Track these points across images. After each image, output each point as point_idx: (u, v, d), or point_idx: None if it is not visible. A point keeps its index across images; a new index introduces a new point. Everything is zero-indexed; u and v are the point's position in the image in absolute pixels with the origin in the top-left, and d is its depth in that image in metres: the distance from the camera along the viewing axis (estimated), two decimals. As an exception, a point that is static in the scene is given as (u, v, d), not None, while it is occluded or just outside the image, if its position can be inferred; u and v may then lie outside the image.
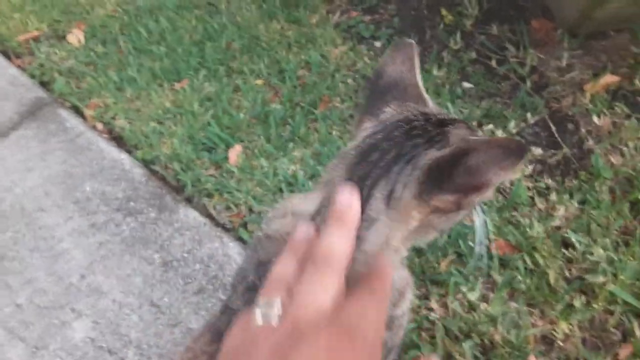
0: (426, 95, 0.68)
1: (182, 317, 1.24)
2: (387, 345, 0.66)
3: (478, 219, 0.72)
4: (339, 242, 0.49)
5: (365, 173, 0.59)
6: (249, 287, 0.63)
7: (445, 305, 1.14)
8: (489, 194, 0.69)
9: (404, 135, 0.59)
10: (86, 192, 1.53)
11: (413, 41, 0.70)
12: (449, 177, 0.54)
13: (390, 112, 0.64)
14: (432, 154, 0.56)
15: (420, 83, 0.68)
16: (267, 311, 0.44)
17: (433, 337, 1.10)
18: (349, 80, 1.68)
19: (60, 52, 1.98)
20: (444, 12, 1.80)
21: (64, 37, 2.05)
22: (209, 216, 1.44)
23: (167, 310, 1.26)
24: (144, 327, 1.24)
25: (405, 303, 0.67)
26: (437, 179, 0.55)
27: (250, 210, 1.41)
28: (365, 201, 0.57)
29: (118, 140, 1.70)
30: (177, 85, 1.77)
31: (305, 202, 0.66)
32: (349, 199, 0.53)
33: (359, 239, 0.57)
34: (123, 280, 1.33)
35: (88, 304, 1.30)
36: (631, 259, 1.12)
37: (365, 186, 0.58)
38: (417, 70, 0.69)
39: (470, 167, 0.53)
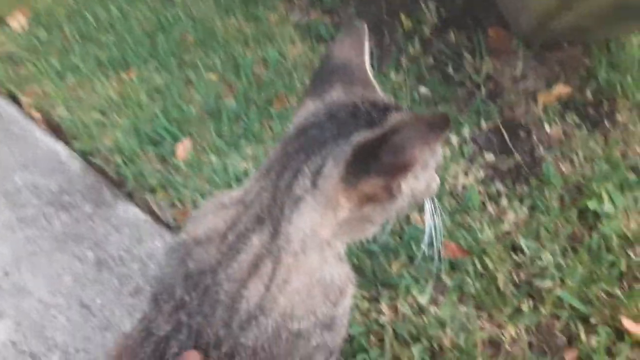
0: (374, 80, 0.66)
1: (115, 320, 1.15)
2: (328, 347, 0.62)
3: (428, 221, 0.71)
4: None
5: (301, 146, 0.56)
6: (177, 305, 0.56)
7: (395, 309, 1.11)
8: (433, 186, 0.66)
9: (348, 116, 0.57)
10: (17, 184, 1.41)
11: (365, 25, 0.68)
12: (376, 158, 0.52)
13: (335, 94, 0.62)
14: (364, 134, 0.53)
15: (369, 67, 0.66)
16: None
17: (382, 340, 1.06)
18: (307, 80, 1.64)
19: (-1, 36, 1.85)
20: (403, 17, 1.79)
21: (4, 21, 1.92)
22: (151, 212, 1.35)
23: (98, 312, 1.16)
24: (71, 330, 1.14)
25: (347, 300, 0.62)
26: (366, 162, 0.53)
27: (197, 207, 1.33)
28: (294, 176, 0.54)
29: (56, 130, 1.59)
30: (124, 75, 1.67)
31: (239, 190, 0.61)
32: None
33: (284, 218, 0.53)
34: (51, 279, 1.22)
35: (11, 303, 1.19)
36: (579, 264, 1.13)
37: (297, 159, 0.55)
38: (366, 55, 0.67)
39: (396, 145, 0.51)
